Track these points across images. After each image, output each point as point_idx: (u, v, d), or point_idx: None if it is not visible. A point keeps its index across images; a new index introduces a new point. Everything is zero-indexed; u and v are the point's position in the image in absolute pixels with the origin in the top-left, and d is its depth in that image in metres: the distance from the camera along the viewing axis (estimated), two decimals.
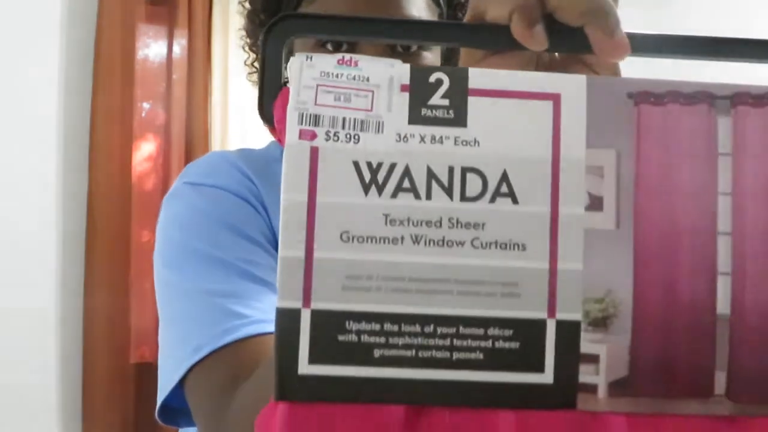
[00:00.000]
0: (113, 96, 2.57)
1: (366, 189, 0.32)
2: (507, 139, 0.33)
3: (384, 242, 0.32)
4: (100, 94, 2.55)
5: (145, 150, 2.73)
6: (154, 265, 0.74)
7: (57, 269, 2.54)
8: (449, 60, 0.89)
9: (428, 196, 0.32)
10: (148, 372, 2.58)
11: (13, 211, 2.47)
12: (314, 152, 0.32)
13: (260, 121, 1.00)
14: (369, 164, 0.32)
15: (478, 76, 0.33)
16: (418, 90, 0.33)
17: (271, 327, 0.63)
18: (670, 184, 0.33)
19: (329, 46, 0.76)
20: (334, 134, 0.32)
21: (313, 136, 0.32)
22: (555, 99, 0.33)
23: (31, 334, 2.47)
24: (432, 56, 0.81)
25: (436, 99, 0.33)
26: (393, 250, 0.32)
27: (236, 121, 2.74)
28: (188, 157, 2.66)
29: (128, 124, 2.59)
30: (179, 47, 2.72)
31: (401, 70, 0.33)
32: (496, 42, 0.38)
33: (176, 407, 0.69)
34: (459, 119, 0.33)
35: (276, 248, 0.74)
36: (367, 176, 0.32)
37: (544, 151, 0.33)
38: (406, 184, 0.32)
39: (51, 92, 2.56)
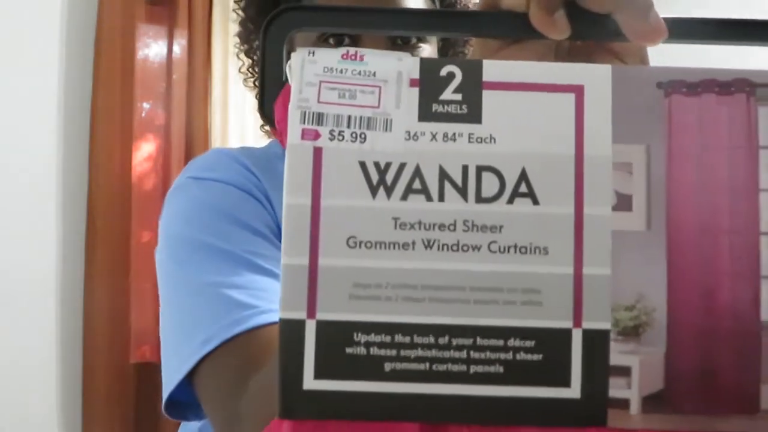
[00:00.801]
0: (113, 96, 2.57)
1: (374, 191, 0.30)
2: (525, 136, 0.30)
3: (394, 248, 0.30)
4: (100, 94, 2.55)
5: (145, 150, 2.73)
6: (157, 258, 0.74)
7: (57, 269, 2.54)
8: (445, 52, 0.87)
9: (441, 198, 0.30)
10: (148, 372, 2.59)
11: (13, 210, 2.47)
12: (318, 153, 0.30)
13: (260, 122, 1.01)
14: (377, 165, 0.30)
15: (493, 68, 0.31)
16: (429, 84, 0.31)
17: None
18: (707, 180, 0.31)
19: (331, 41, 0.75)
20: (339, 133, 0.30)
21: (317, 135, 0.30)
22: (577, 91, 0.31)
23: (31, 333, 2.47)
24: (431, 48, 0.79)
25: (448, 94, 0.31)
26: (404, 256, 0.30)
27: (236, 121, 2.75)
28: (188, 157, 2.67)
29: (128, 124, 2.59)
30: (179, 47, 2.72)
31: (410, 64, 0.31)
32: (513, 30, 0.36)
33: (183, 401, 0.68)
34: (473, 115, 0.31)
35: (281, 240, 0.72)
36: (375, 177, 0.30)
37: (566, 147, 0.30)
38: (417, 185, 0.30)
39: (51, 92, 2.56)
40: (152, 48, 2.74)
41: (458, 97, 0.30)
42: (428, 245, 0.30)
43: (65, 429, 2.51)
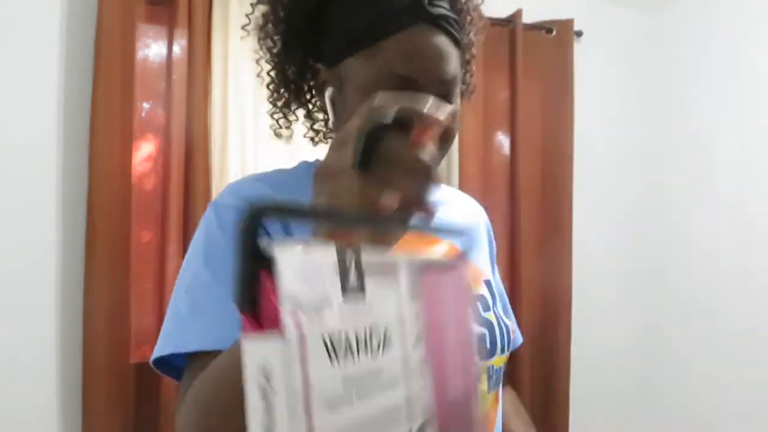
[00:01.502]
0: (113, 96, 2.58)
1: (331, 359, 0.39)
2: (382, 307, 0.45)
3: (344, 400, 0.40)
4: (100, 94, 2.57)
5: (145, 150, 2.75)
6: (185, 258, 0.95)
7: (57, 269, 2.59)
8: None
9: (358, 354, 0.41)
10: (148, 372, 2.62)
11: (13, 210, 2.54)
12: (303, 339, 0.37)
13: (260, 123, 1.30)
14: (330, 336, 0.40)
15: (366, 261, 0.44)
16: (343, 273, 0.42)
17: None
18: (446, 323, 0.53)
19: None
20: (308, 315, 0.38)
21: (299, 321, 0.37)
22: (396, 274, 0.48)
23: (31, 334, 2.54)
24: (457, 99, 0.98)
25: (352, 279, 0.42)
26: (351, 402, 0.40)
27: (236, 121, 2.76)
28: (188, 157, 2.69)
29: (128, 124, 2.61)
30: (179, 47, 2.73)
31: (331, 255, 0.41)
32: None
33: (176, 365, 0.89)
34: (363, 293, 0.43)
35: None
36: (330, 347, 0.39)
37: (398, 314, 0.47)
38: (350, 346, 0.41)
39: (51, 92, 2.61)
40: (152, 48, 2.76)
41: (357, 281, 0.42)
42: (359, 395, 0.41)
43: (65, 429, 2.57)
